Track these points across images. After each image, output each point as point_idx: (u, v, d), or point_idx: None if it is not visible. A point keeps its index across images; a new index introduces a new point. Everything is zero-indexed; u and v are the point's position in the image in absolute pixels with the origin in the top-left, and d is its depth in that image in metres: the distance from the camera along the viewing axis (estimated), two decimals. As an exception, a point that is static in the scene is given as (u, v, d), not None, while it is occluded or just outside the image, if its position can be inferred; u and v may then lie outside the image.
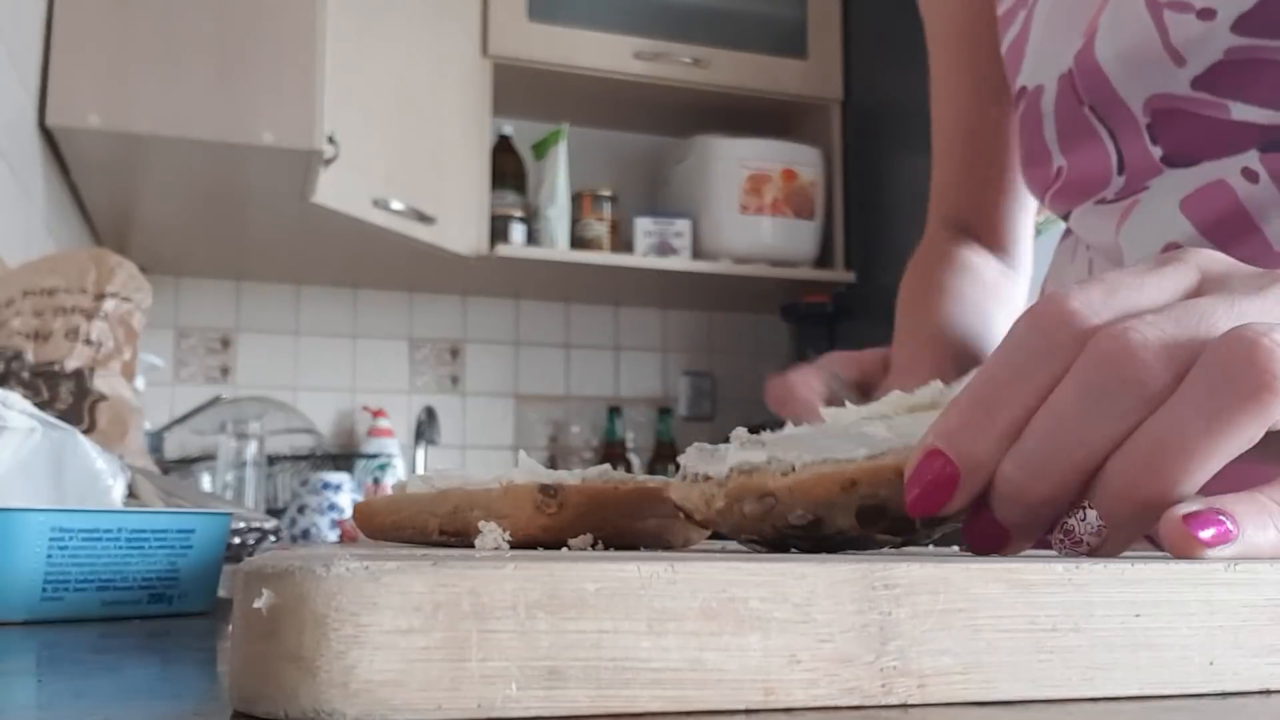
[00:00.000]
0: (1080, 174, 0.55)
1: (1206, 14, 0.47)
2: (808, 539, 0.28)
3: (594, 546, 0.32)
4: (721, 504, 0.29)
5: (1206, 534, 0.24)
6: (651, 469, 2.17)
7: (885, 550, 0.29)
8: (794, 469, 0.27)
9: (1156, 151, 0.51)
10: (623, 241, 2.06)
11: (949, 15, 0.71)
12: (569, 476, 0.33)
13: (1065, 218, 0.60)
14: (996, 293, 0.68)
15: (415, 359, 2.15)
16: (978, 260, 0.70)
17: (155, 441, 1.70)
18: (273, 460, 1.77)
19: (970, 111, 0.70)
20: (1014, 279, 0.71)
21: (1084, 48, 0.52)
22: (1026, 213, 0.72)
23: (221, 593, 0.45)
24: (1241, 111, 0.48)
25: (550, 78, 1.99)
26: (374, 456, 1.92)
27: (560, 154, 1.99)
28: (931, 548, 0.36)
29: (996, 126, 0.69)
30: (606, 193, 2.05)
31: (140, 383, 1.15)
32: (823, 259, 2.11)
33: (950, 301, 0.66)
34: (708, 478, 0.29)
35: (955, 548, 0.30)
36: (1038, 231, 2.29)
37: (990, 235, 0.71)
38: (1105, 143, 0.53)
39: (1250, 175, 0.48)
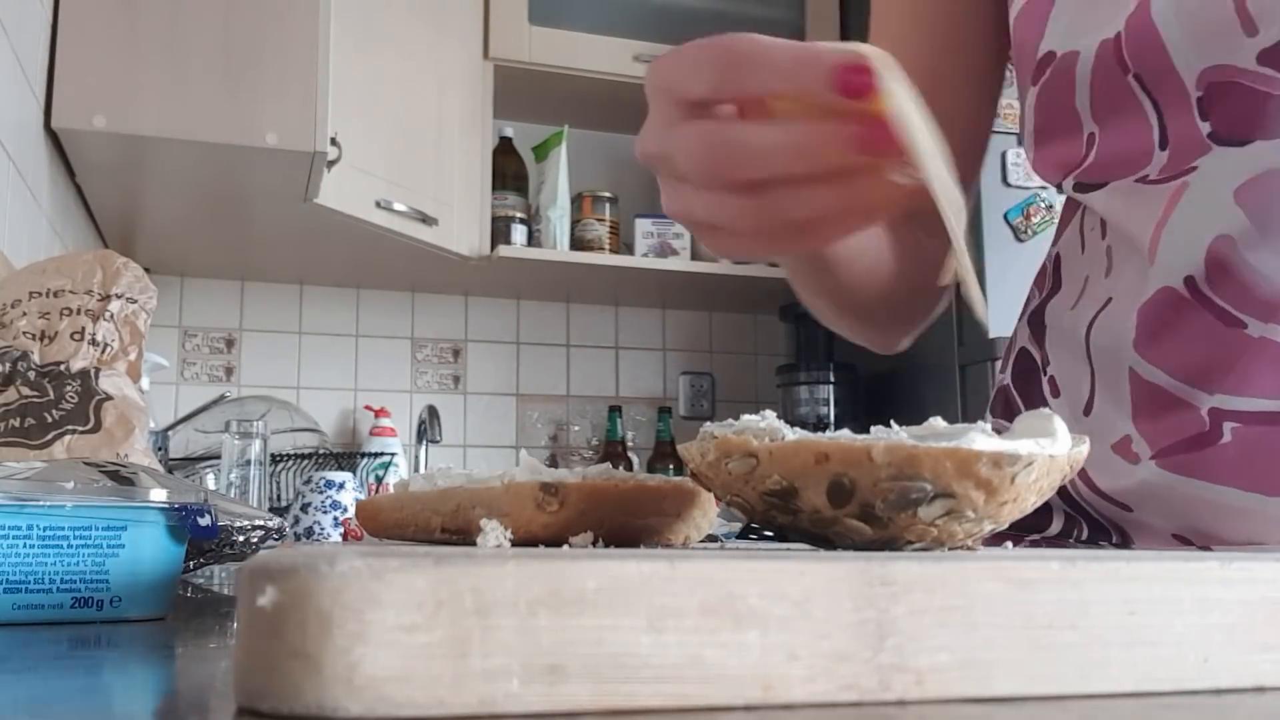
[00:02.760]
0: (1116, 146, 0.50)
1: None
2: (784, 511, 0.29)
3: (595, 544, 0.32)
4: (712, 457, 0.30)
5: None
6: (651, 468, 2.17)
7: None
8: (783, 439, 0.28)
9: (1205, 128, 0.47)
10: (623, 242, 2.06)
11: None
12: (570, 475, 0.33)
13: (1082, 194, 0.54)
14: None
15: (417, 359, 2.15)
16: None
17: (160, 440, 1.70)
18: (276, 459, 1.78)
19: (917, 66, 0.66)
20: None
21: (1138, 9, 0.47)
22: (970, 190, 0.65)
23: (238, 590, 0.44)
24: None
25: (551, 80, 1.99)
26: (377, 455, 1.92)
27: (561, 156, 1.99)
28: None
29: (957, 55, 0.62)
30: (607, 194, 2.05)
31: (145, 383, 1.15)
32: (824, 259, 2.11)
33: None
34: (715, 437, 0.30)
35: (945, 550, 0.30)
36: (1034, 232, 2.23)
37: None
38: (1149, 115, 0.48)
39: None
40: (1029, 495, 0.29)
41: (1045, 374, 0.57)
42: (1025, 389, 0.59)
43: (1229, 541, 0.48)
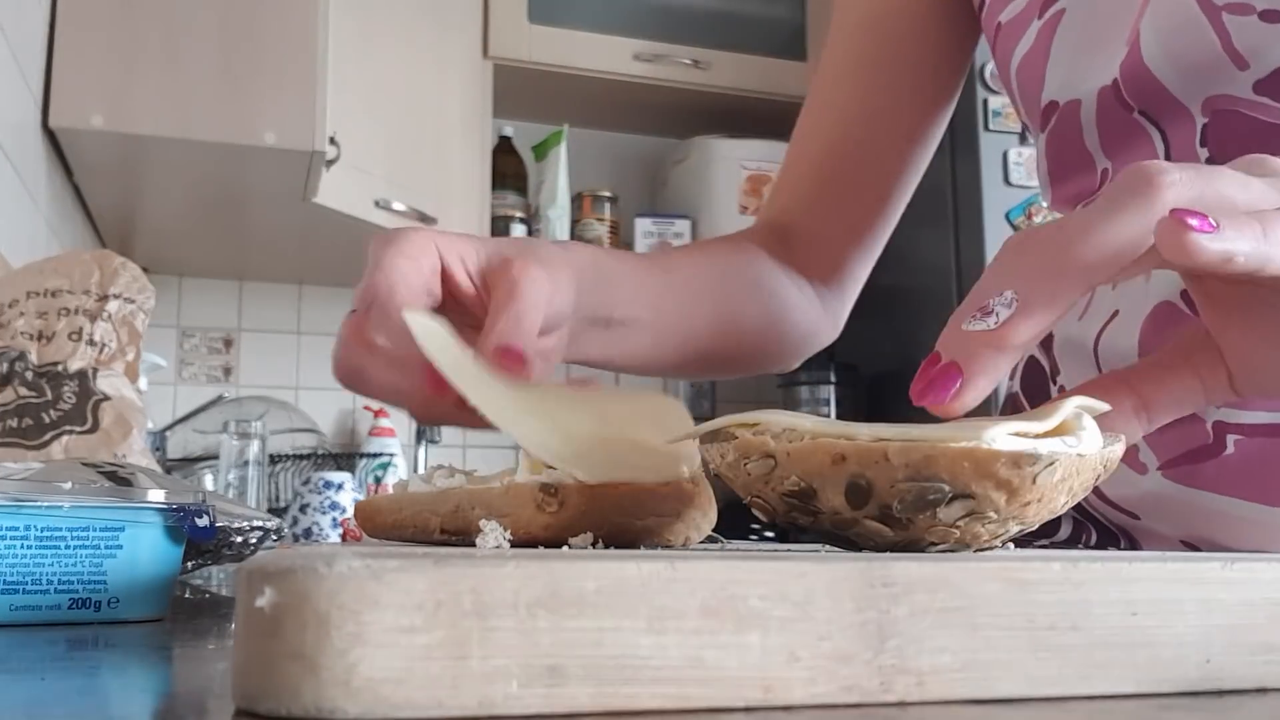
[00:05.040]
0: None
1: (1271, 16, 0.45)
2: (804, 512, 0.29)
3: (594, 545, 0.32)
4: (731, 458, 0.30)
5: (1193, 221, 0.27)
6: (653, 469, 2.17)
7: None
8: (803, 439, 0.28)
9: (1203, 154, 0.48)
10: (623, 242, 2.06)
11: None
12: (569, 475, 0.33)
13: None
14: (746, 281, 0.59)
15: (416, 359, 2.15)
16: (762, 266, 0.61)
17: (158, 441, 1.70)
18: (275, 459, 1.77)
19: (847, 122, 0.63)
20: (813, 303, 0.63)
21: (1129, 56, 0.49)
22: (870, 256, 0.64)
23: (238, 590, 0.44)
24: None
25: (550, 79, 1.99)
26: (375, 456, 1.92)
27: (560, 155, 1.99)
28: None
29: (867, 150, 0.62)
30: (607, 193, 2.05)
31: (143, 383, 1.15)
32: (823, 259, 2.11)
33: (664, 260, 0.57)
34: (734, 437, 0.30)
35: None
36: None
37: (815, 261, 0.63)
38: (1155, 143, 0.50)
39: None
40: (1056, 495, 0.28)
41: (1055, 383, 0.57)
42: (1034, 396, 0.59)
43: (1235, 549, 0.48)
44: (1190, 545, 0.50)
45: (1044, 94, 0.55)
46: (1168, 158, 0.50)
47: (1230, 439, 0.47)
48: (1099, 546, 0.55)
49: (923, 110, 0.63)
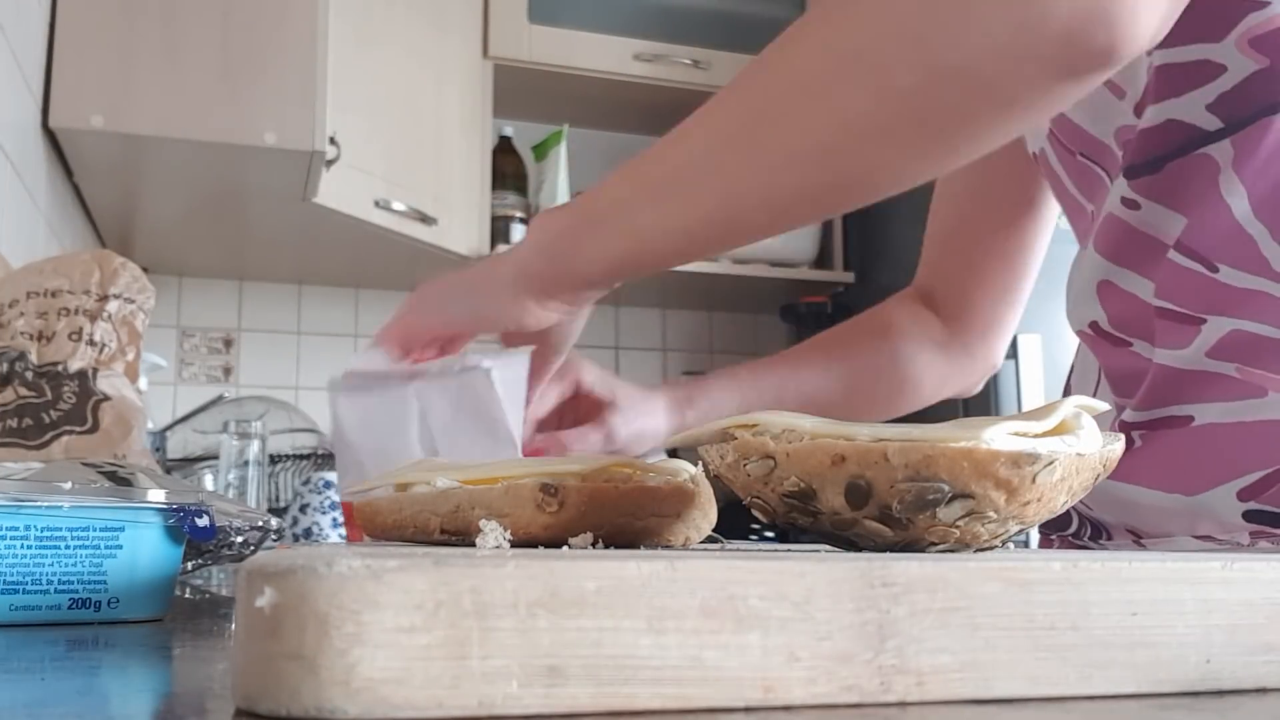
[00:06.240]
0: (1097, 218, 0.57)
1: None
2: (804, 512, 0.29)
3: (594, 545, 0.32)
4: (731, 459, 0.29)
5: None
6: (652, 469, 2.16)
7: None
8: (802, 440, 0.28)
9: (1122, 183, 0.52)
10: (624, 242, 2.06)
11: None
12: (571, 463, 0.33)
13: None
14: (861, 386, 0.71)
15: (416, 359, 2.15)
16: (872, 344, 0.72)
17: (158, 441, 1.70)
18: (275, 459, 1.77)
19: (959, 202, 0.72)
20: (948, 356, 0.71)
21: None
22: (1010, 305, 0.72)
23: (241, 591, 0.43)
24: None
25: (551, 79, 1.99)
26: (376, 456, 1.92)
27: (560, 155, 1.99)
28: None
29: (979, 224, 0.70)
30: (607, 193, 2.05)
31: (143, 383, 1.15)
32: (821, 260, 2.11)
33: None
34: (733, 438, 0.30)
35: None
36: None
37: (956, 318, 0.71)
38: (1106, 182, 0.55)
39: (1130, 204, 0.51)
40: (1056, 495, 0.28)
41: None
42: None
43: (1151, 534, 0.52)
44: (1133, 533, 0.54)
45: (1030, 145, 0.61)
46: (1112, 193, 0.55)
47: (1135, 434, 0.51)
48: (1093, 538, 0.57)
49: (1024, 180, 0.68)
